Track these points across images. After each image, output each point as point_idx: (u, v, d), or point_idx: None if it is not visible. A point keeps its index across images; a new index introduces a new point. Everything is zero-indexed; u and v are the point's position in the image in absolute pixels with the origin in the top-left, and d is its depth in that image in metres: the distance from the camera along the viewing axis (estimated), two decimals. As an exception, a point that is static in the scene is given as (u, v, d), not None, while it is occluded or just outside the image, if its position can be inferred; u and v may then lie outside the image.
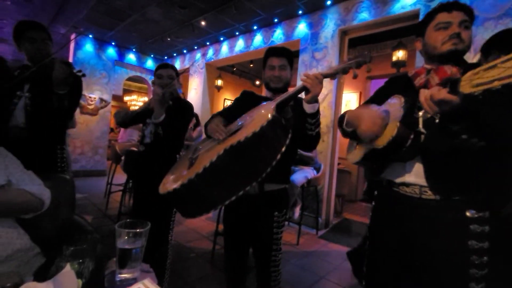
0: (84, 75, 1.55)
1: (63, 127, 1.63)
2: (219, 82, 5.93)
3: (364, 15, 3.14)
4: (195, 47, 5.54)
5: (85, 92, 5.23)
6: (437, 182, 0.85)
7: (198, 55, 5.58)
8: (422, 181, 0.87)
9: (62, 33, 5.07)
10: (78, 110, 4.75)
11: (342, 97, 3.57)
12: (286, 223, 3.33)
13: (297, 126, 1.11)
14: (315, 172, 3.09)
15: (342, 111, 2.94)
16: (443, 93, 0.66)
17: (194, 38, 4.98)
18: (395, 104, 0.90)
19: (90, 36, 5.36)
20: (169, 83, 1.61)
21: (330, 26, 3.45)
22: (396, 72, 3.80)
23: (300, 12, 3.70)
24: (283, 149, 0.89)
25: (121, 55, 5.97)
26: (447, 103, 0.66)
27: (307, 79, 1.04)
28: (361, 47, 4.79)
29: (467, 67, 0.86)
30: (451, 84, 0.65)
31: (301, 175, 2.84)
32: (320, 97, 1.11)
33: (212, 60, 5.25)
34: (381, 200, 1.03)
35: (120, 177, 3.95)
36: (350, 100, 5.08)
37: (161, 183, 1.00)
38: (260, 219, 1.26)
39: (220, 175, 0.85)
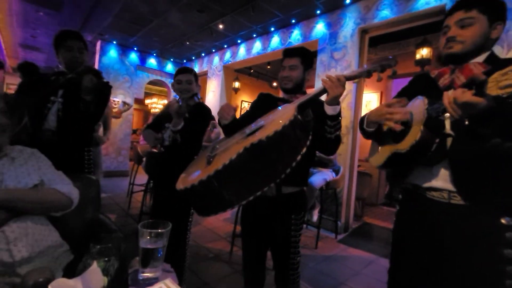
0: (111, 87, 1.66)
1: (90, 131, 1.71)
2: (237, 84, 5.98)
3: (386, 13, 3.03)
4: (213, 50, 5.62)
5: (109, 96, 5.49)
6: (467, 188, 0.80)
7: (216, 58, 5.67)
8: (450, 186, 0.82)
9: (89, 40, 5.34)
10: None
11: (362, 98, 3.46)
12: (305, 226, 3.28)
13: (316, 128, 1.10)
14: (334, 174, 3.02)
15: (363, 112, 2.85)
16: (467, 96, 0.62)
17: (212, 41, 5.06)
18: (418, 106, 0.86)
19: (114, 42, 5.60)
20: (187, 88, 1.66)
21: (349, 25, 3.37)
22: (420, 71, 3.64)
23: (318, 12, 3.65)
24: (304, 150, 0.87)
25: (143, 60, 6.19)
26: (473, 106, 0.62)
27: (328, 80, 1.02)
28: (382, 45, 4.64)
29: (496, 64, 0.81)
30: (477, 85, 0.62)
31: (319, 177, 2.79)
32: (339, 98, 1.07)
33: (230, 62, 5.31)
34: (406, 205, 0.99)
35: (142, 177, 4.09)
36: (371, 101, 4.92)
37: (178, 180, 1.01)
38: (277, 222, 1.25)
39: (240, 173, 0.84)
